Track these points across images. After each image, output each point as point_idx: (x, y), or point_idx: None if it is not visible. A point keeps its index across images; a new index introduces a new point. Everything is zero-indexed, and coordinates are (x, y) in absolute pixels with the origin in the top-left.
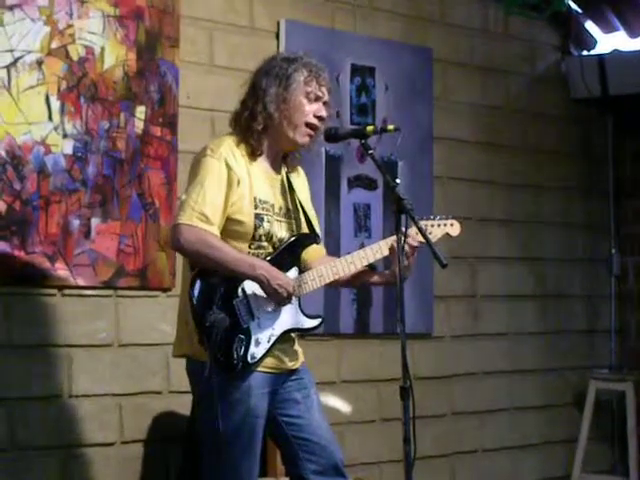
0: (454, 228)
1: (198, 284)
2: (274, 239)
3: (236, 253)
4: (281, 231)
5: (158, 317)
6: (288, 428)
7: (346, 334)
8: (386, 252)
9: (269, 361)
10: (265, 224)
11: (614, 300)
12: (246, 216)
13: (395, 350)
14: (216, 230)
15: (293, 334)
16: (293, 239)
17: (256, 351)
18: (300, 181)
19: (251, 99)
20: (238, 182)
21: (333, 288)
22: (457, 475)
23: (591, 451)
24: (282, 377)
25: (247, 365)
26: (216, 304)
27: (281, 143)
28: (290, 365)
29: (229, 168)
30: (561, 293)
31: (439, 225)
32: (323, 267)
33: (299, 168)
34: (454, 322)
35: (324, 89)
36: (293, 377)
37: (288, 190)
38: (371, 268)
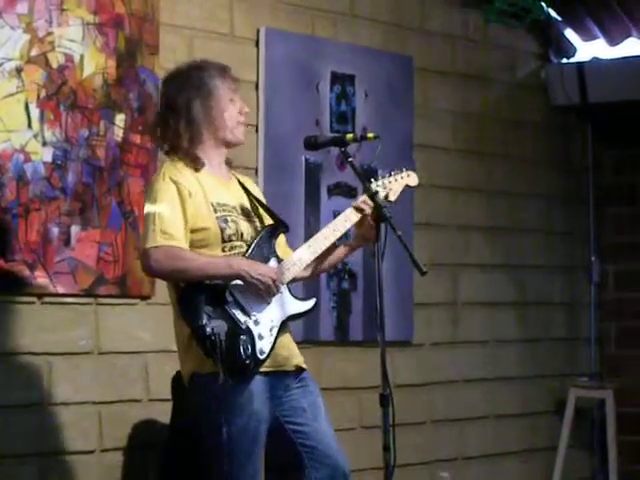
0: (411, 178)
1: (186, 300)
2: (245, 236)
3: (210, 258)
4: (249, 230)
5: (138, 325)
6: (295, 436)
7: (326, 341)
8: (355, 218)
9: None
10: (230, 224)
11: (594, 308)
12: (209, 222)
13: (375, 358)
14: (183, 244)
15: (289, 329)
16: (263, 232)
17: (263, 345)
18: (249, 183)
19: (172, 117)
20: (189, 193)
21: (312, 276)
22: None
23: (571, 459)
24: (282, 379)
25: (258, 361)
26: (209, 314)
27: (219, 146)
28: (289, 364)
29: (176, 183)
30: (541, 301)
31: (396, 179)
32: (299, 250)
33: (241, 174)
34: (434, 330)
35: (236, 84)
36: (298, 384)
37: (242, 190)
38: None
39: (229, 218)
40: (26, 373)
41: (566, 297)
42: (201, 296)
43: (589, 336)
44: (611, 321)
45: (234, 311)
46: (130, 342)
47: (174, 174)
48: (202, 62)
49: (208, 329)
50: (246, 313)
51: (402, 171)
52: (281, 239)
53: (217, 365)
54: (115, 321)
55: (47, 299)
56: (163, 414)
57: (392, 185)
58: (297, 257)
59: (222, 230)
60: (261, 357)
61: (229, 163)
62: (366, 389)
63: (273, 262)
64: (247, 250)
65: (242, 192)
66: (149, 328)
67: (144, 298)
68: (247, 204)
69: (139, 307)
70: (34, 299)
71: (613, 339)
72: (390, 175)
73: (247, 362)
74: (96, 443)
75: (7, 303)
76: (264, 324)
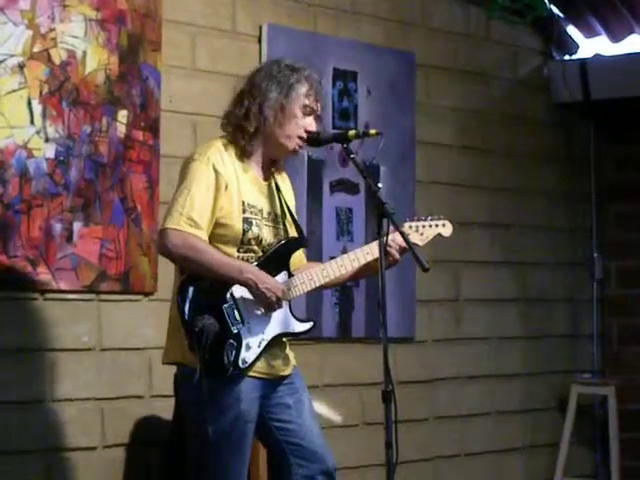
0: (446, 229)
1: (186, 290)
2: (264, 243)
3: (224, 257)
4: (270, 236)
5: (140, 321)
6: (279, 433)
7: (328, 338)
8: (377, 254)
9: (260, 366)
10: (254, 228)
11: (596, 304)
12: (234, 220)
13: (377, 354)
14: (204, 234)
15: (284, 338)
16: (282, 243)
17: (247, 356)
18: (286, 186)
19: (247, 98)
20: (226, 186)
21: (317, 290)
22: (439, 479)
23: (573, 455)
24: (274, 383)
25: (239, 370)
26: (205, 309)
27: (271, 148)
28: (282, 371)
29: (217, 172)
30: (543, 297)
31: (430, 226)
32: (313, 270)
33: (284, 173)
34: (436, 326)
35: (319, 104)
36: (285, 382)
37: (276, 195)
38: None
39: (254, 221)
40: (28, 369)
41: (569, 293)
42: (202, 289)
43: (591, 333)
44: (613, 318)
45: (230, 313)
46: (133, 338)
47: (217, 161)
48: (300, 65)
49: (199, 324)
50: (241, 319)
51: (439, 219)
52: (298, 251)
53: (196, 362)
54: (117, 317)
55: (49, 295)
56: (165, 410)
57: (425, 230)
58: (308, 277)
59: (244, 232)
60: (242, 366)
61: (275, 162)
62: (368, 385)
63: (283, 275)
64: (260, 257)
65: (276, 196)
66: (152, 324)
67: (147, 294)
68: (277, 210)
69: (142, 303)
70: (36, 295)
71: (615, 336)
72: (426, 219)
73: (227, 367)
74: (99, 439)
75: (9, 299)
76: (255, 335)
